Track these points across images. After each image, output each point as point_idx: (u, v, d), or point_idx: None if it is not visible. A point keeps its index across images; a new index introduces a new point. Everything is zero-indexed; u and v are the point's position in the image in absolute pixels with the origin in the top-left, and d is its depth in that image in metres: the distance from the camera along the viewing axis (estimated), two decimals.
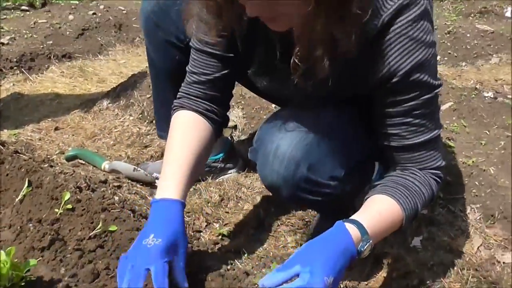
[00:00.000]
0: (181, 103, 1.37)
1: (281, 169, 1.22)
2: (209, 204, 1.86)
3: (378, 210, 1.16)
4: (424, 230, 1.72)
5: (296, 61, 1.06)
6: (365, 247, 1.07)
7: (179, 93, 1.40)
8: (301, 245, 1.65)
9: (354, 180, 1.34)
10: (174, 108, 1.39)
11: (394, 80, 1.09)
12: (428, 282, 1.45)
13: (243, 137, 2.32)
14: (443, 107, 2.47)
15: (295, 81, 1.11)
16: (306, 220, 1.78)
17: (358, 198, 1.69)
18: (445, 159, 1.26)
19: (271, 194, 1.45)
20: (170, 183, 1.24)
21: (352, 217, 1.12)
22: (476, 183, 1.88)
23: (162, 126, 1.93)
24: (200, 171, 1.36)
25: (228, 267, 1.35)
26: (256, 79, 1.40)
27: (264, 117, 2.35)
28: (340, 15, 0.94)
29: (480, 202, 1.80)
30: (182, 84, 1.40)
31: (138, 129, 2.47)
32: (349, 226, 1.08)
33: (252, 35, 1.21)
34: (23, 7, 4.91)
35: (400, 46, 1.05)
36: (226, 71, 1.33)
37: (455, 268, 1.53)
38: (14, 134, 2.45)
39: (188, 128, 1.33)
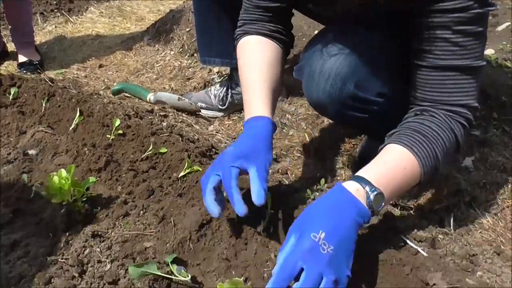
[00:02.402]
0: (244, 29, 1.33)
1: (327, 86, 1.19)
2: None
3: (384, 161, 1.08)
4: (476, 151, 1.67)
5: None
6: (373, 197, 0.98)
7: (239, 21, 1.37)
8: (348, 166, 1.66)
9: (403, 97, 1.30)
10: (238, 36, 1.35)
11: None
12: (480, 199, 1.42)
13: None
14: (500, 28, 2.32)
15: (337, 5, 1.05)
16: (353, 143, 1.76)
17: None
18: (479, 101, 1.12)
19: (317, 112, 1.43)
20: (255, 104, 1.22)
21: (357, 173, 1.06)
22: None
23: (204, 53, 1.92)
24: (279, 92, 1.34)
25: (276, 183, 1.37)
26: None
27: None
28: None
29: None
30: (241, 12, 1.37)
31: (179, 62, 2.47)
32: (346, 184, 1.02)
33: None
34: None
35: None
36: None
37: (510, 186, 1.48)
38: (61, 73, 2.51)
39: (258, 52, 1.29)
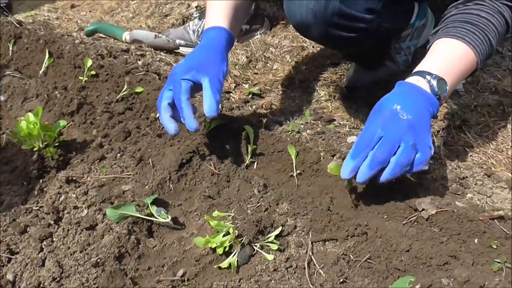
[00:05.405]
0: None
1: (311, 3, 1.09)
2: (236, 67, 1.78)
3: (437, 53, 1.04)
4: None
5: None
6: (436, 83, 0.97)
7: None
8: (334, 97, 1.59)
9: (391, 15, 1.21)
10: None
11: None
12: (471, 122, 1.38)
13: None
14: None
15: None
16: (339, 73, 1.68)
17: (393, 44, 1.57)
18: None
19: (301, 35, 1.32)
20: (213, 14, 1.17)
21: (413, 71, 1.03)
22: None
23: None
24: (242, 20, 1.30)
25: (260, 119, 1.31)
26: None
27: None
28: None
29: None
30: None
31: None
32: (406, 80, 1.00)
33: None
34: None
35: None
36: None
37: (501, 107, 1.43)
38: (31, 15, 2.37)
39: None
